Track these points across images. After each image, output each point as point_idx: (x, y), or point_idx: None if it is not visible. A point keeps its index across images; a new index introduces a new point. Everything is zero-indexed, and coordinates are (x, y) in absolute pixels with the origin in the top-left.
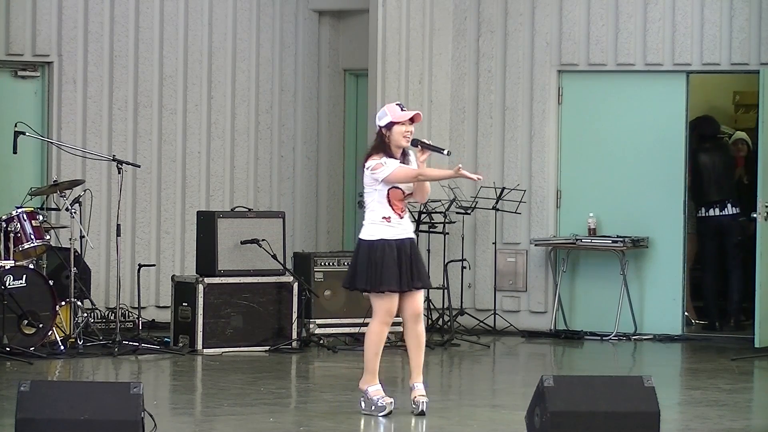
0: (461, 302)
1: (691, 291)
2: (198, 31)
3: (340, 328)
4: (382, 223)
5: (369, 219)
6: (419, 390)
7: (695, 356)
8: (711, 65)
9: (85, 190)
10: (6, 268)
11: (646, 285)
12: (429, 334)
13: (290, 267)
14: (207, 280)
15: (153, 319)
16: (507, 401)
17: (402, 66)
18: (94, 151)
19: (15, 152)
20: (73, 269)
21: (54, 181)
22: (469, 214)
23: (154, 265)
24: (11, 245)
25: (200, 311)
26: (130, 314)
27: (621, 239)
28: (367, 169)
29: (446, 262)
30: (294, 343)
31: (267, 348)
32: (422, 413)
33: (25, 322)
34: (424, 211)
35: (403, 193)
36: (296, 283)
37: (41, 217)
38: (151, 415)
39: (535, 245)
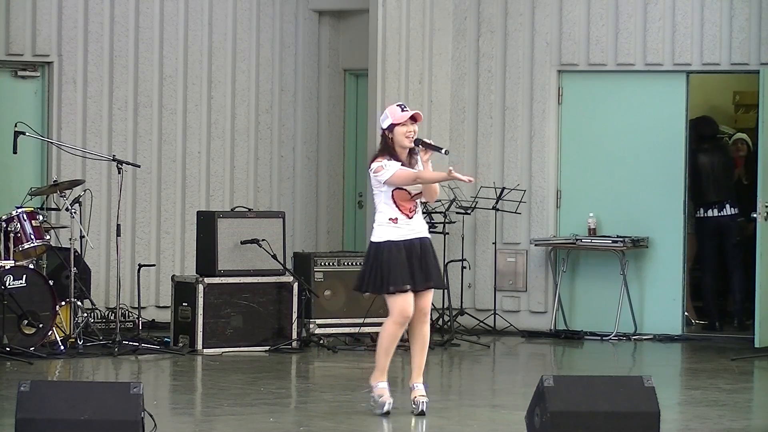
0: (461, 302)
1: (691, 291)
2: (198, 31)
3: (340, 328)
4: (389, 224)
5: (377, 221)
6: (419, 390)
7: (695, 356)
8: (711, 65)
9: (85, 190)
10: (6, 268)
11: (646, 285)
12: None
13: (290, 267)
14: (207, 280)
15: (153, 319)
16: (507, 401)
17: (402, 66)
18: (94, 151)
19: (15, 152)
20: (73, 269)
21: (54, 181)
22: (469, 214)
23: (154, 265)
24: (11, 245)
25: (200, 311)
26: (130, 314)
27: (621, 239)
28: (371, 171)
29: (446, 262)
30: (294, 343)
31: (267, 348)
32: (422, 413)
33: (25, 322)
34: (425, 211)
35: (409, 194)
36: (296, 283)
37: (41, 217)
38: (151, 415)
39: (535, 245)
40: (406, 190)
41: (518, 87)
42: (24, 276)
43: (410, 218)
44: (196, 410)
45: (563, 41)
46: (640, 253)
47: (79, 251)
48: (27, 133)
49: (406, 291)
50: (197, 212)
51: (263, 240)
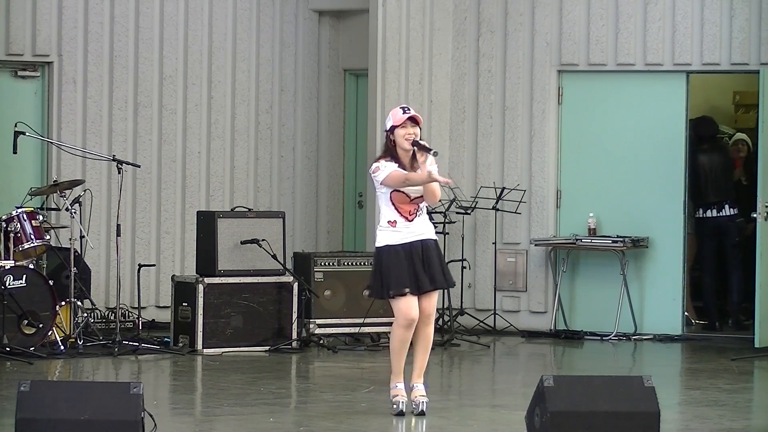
0: (461, 302)
1: (691, 291)
2: (198, 31)
3: (340, 328)
4: (387, 228)
5: (379, 224)
6: (419, 390)
7: (695, 356)
8: (711, 65)
9: (85, 190)
10: (6, 268)
11: (646, 285)
12: None
13: (290, 267)
14: (207, 280)
15: (153, 319)
16: (507, 401)
17: (402, 66)
18: (94, 151)
19: (15, 152)
20: (73, 269)
21: (54, 181)
22: (469, 214)
23: (154, 265)
24: (11, 245)
25: (200, 311)
26: (130, 314)
27: (621, 239)
28: (371, 172)
29: (446, 262)
30: (294, 343)
31: (267, 348)
32: (422, 413)
33: (25, 322)
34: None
35: (408, 197)
36: (296, 283)
37: (41, 217)
38: (151, 415)
39: (535, 245)
40: (404, 192)
41: (518, 87)
42: (24, 276)
43: (410, 221)
44: (196, 410)
45: (563, 41)
46: (640, 253)
47: (79, 251)
48: (27, 133)
49: (405, 294)
50: (197, 212)
51: (263, 240)
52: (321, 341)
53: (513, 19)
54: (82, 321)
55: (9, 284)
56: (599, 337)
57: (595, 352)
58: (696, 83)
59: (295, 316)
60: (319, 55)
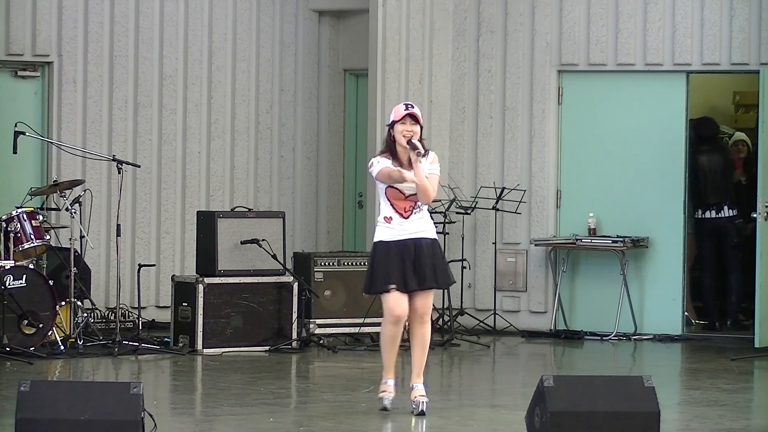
0: (461, 302)
1: (691, 291)
2: (198, 31)
3: (340, 328)
4: (383, 224)
5: (377, 220)
6: (419, 390)
7: (695, 356)
8: (711, 65)
9: (85, 190)
10: (6, 268)
11: (646, 285)
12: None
13: (290, 267)
14: (207, 280)
15: (153, 319)
16: (507, 401)
17: (402, 66)
18: (94, 151)
19: (15, 152)
20: (73, 269)
21: (54, 181)
22: (469, 214)
23: (154, 265)
24: (11, 245)
25: (200, 311)
26: (130, 314)
27: (621, 239)
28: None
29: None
30: (294, 343)
31: (267, 348)
32: (422, 413)
33: (25, 322)
34: None
35: (403, 193)
36: (296, 283)
37: (41, 217)
38: (151, 415)
39: (535, 245)
40: (398, 189)
41: (518, 87)
42: (24, 276)
43: (405, 218)
44: (196, 410)
45: (563, 41)
46: (640, 253)
47: (79, 251)
48: (27, 133)
49: (389, 291)
50: (197, 212)
51: (263, 240)
52: (321, 341)
53: (513, 19)
54: (82, 321)
55: (9, 284)
56: (599, 337)
57: (595, 352)
58: (696, 83)
59: (295, 316)
60: (319, 55)
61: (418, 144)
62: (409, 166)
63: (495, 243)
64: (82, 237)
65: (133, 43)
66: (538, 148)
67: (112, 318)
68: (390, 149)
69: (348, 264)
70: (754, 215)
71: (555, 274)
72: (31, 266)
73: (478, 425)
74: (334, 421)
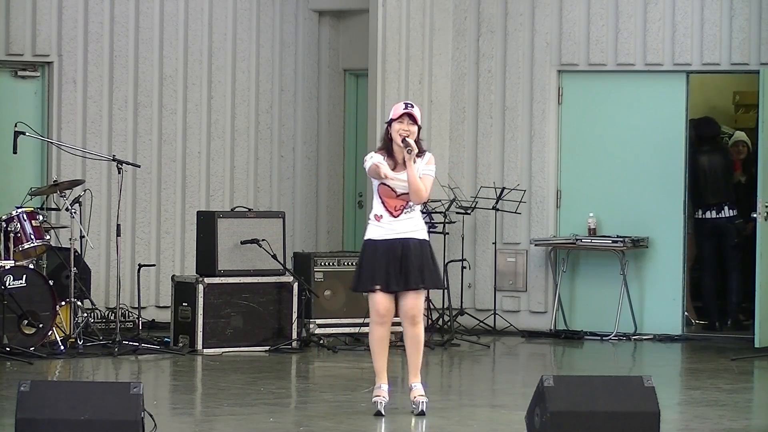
0: (461, 302)
1: (691, 291)
2: (198, 31)
3: (340, 328)
4: (373, 222)
5: (369, 217)
6: (418, 390)
7: (695, 356)
8: (711, 65)
9: (85, 190)
10: (6, 268)
11: (646, 285)
12: (429, 334)
13: (290, 267)
14: (207, 280)
15: (153, 319)
16: (507, 401)
17: (402, 66)
18: (94, 151)
19: (15, 152)
20: (73, 269)
21: (54, 181)
22: (469, 214)
23: (154, 265)
24: (11, 245)
25: (200, 311)
26: (130, 314)
27: (621, 239)
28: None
29: (446, 262)
30: (294, 343)
31: (267, 348)
32: (422, 413)
33: (25, 322)
34: (424, 211)
35: (394, 191)
36: (296, 283)
37: (41, 217)
38: (151, 415)
39: (535, 245)
40: (390, 187)
41: (518, 87)
42: (24, 276)
43: (395, 217)
44: (196, 410)
45: (563, 41)
46: (640, 253)
47: (79, 251)
48: (27, 133)
49: (374, 291)
50: (197, 212)
51: (263, 240)
52: (321, 341)
53: (513, 19)
54: (82, 321)
55: (9, 284)
56: (599, 337)
57: (595, 352)
58: (696, 83)
59: (295, 316)
60: (319, 55)
61: (413, 143)
62: (405, 165)
63: (495, 243)
64: (82, 237)
65: (133, 43)
66: (538, 148)
67: (112, 318)
68: (387, 147)
69: (348, 264)
70: (754, 215)
71: (555, 274)
72: (31, 266)
73: (478, 425)
74: (334, 421)
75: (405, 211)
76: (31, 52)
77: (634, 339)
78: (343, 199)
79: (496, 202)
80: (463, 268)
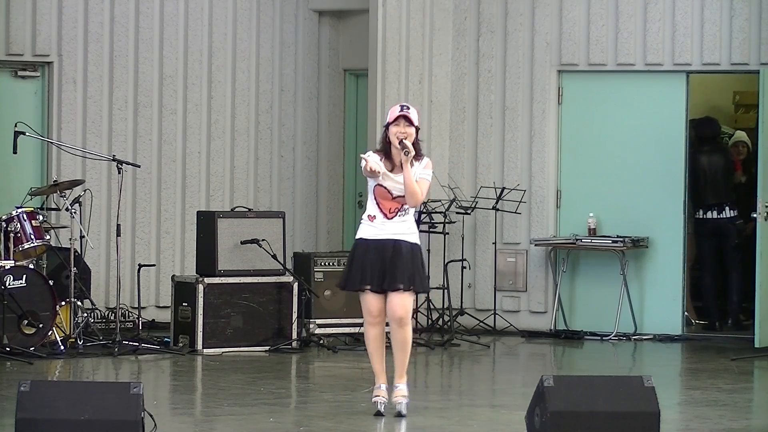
0: (461, 302)
1: (691, 291)
2: (198, 31)
3: (340, 328)
4: (365, 222)
5: (362, 216)
6: (400, 391)
7: (695, 356)
8: (711, 65)
9: (85, 190)
10: (6, 268)
11: (646, 285)
12: (429, 334)
13: (290, 267)
14: (207, 280)
15: (153, 319)
16: (507, 401)
17: (402, 66)
18: (94, 151)
19: (15, 152)
20: (73, 269)
21: (54, 181)
22: (469, 214)
23: (154, 265)
24: (11, 245)
25: (200, 311)
26: (130, 314)
27: (621, 239)
28: None
29: (446, 262)
30: (294, 343)
31: (267, 348)
32: (400, 414)
33: (25, 322)
34: (424, 211)
35: (390, 193)
36: (296, 283)
37: (41, 217)
38: (151, 415)
39: (535, 245)
40: (386, 188)
41: (518, 87)
42: (24, 276)
43: (389, 219)
44: (196, 410)
45: (563, 41)
46: (640, 253)
47: (79, 251)
48: (27, 133)
49: (363, 290)
50: (197, 212)
51: (263, 240)
52: (321, 341)
53: (513, 19)
54: (82, 321)
55: (9, 284)
56: (599, 337)
57: (595, 352)
58: (696, 83)
59: (295, 316)
60: (319, 55)
61: (409, 145)
62: (402, 167)
63: (495, 243)
64: (82, 237)
65: (133, 43)
66: (538, 148)
67: (112, 318)
68: (385, 150)
69: None
70: (754, 215)
71: (555, 274)
72: (31, 266)
73: (478, 425)
74: (334, 421)
75: (399, 213)
76: (31, 52)
77: (634, 339)
78: (343, 199)
79: (496, 202)
80: (463, 268)
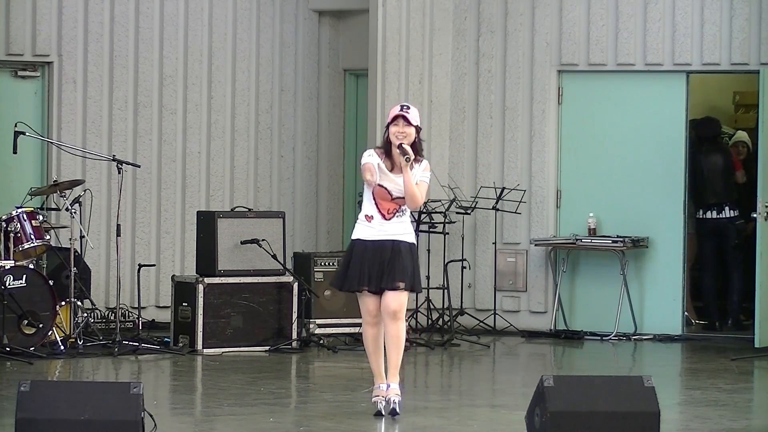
0: (461, 302)
1: (691, 291)
2: (198, 31)
3: (340, 328)
4: (363, 222)
5: (359, 216)
6: (393, 390)
7: (695, 356)
8: (711, 65)
9: (85, 190)
10: (6, 268)
11: (646, 285)
12: (429, 334)
13: (290, 267)
14: (207, 280)
15: (153, 319)
16: (507, 401)
17: (402, 66)
18: (94, 151)
19: (15, 152)
20: (73, 269)
21: (54, 181)
22: (469, 214)
23: (154, 265)
24: (11, 245)
25: (200, 311)
26: (130, 314)
27: (621, 239)
28: None
29: (446, 262)
30: (294, 343)
31: (267, 348)
32: (393, 412)
33: (25, 322)
34: (424, 211)
35: (390, 194)
36: (296, 283)
37: (41, 217)
38: (151, 415)
39: (535, 245)
40: (386, 189)
41: (518, 87)
42: (24, 276)
43: (387, 220)
44: (196, 410)
45: (563, 41)
46: (640, 253)
47: (79, 251)
48: (27, 133)
49: (361, 291)
50: (197, 212)
51: (263, 240)
52: (321, 341)
53: (513, 19)
54: (82, 321)
55: (9, 284)
56: (599, 337)
57: (595, 352)
58: (696, 83)
59: (295, 316)
60: (319, 55)
61: (408, 149)
62: (399, 168)
63: (495, 243)
64: (82, 237)
65: (133, 43)
66: (538, 148)
67: (112, 318)
68: (386, 149)
69: None
70: (754, 215)
71: (555, 274)
72: (31, 266)
73: (478, 425)
74: (334, 421)
75: (397, 214)
76: (31, 52)
77: (634, 339)
78: (343, 199)
79: (496, 202)
80: (463, 268)
